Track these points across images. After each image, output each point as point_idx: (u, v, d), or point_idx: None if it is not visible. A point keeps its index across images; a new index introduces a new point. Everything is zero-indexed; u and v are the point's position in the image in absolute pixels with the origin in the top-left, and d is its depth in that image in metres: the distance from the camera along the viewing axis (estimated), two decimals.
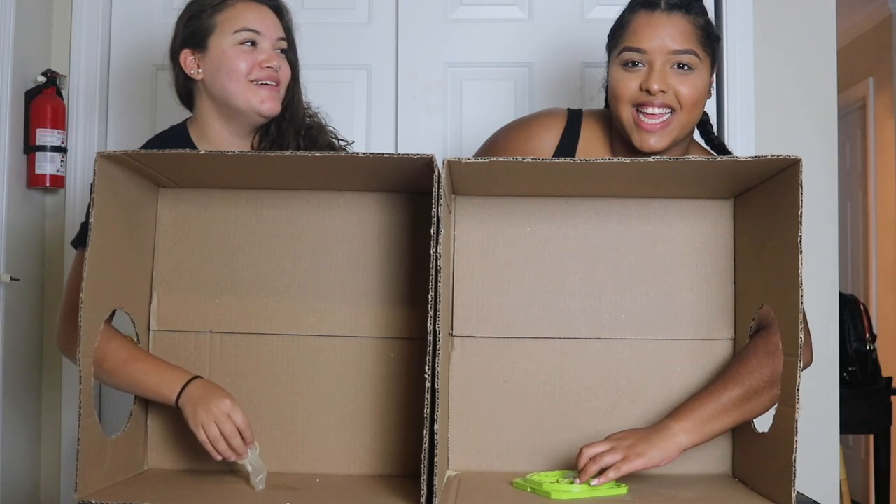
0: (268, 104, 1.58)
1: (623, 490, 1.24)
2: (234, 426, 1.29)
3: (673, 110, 1.50)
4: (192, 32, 1.61)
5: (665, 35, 1.49)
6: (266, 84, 1.58)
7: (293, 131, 1.65)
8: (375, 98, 2.42)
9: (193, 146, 1.63)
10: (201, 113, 1.64)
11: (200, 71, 1.60)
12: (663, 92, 1.48)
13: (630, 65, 1.51)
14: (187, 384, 1.33)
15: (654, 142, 1.50)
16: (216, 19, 1.59)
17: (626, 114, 1.51)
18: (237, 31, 1.58)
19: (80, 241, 1.52)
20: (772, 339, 1.29)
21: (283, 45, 1.63)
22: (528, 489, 1.25)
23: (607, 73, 1.58)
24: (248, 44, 1.58)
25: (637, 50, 1.50)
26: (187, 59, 1.61)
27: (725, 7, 2.36)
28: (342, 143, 1.77)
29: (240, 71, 1.57)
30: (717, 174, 1.29)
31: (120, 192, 1.27)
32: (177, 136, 1.64)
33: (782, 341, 1.20)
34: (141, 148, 1.63)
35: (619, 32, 1.54)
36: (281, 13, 1.65)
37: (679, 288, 1.39)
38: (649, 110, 1.49)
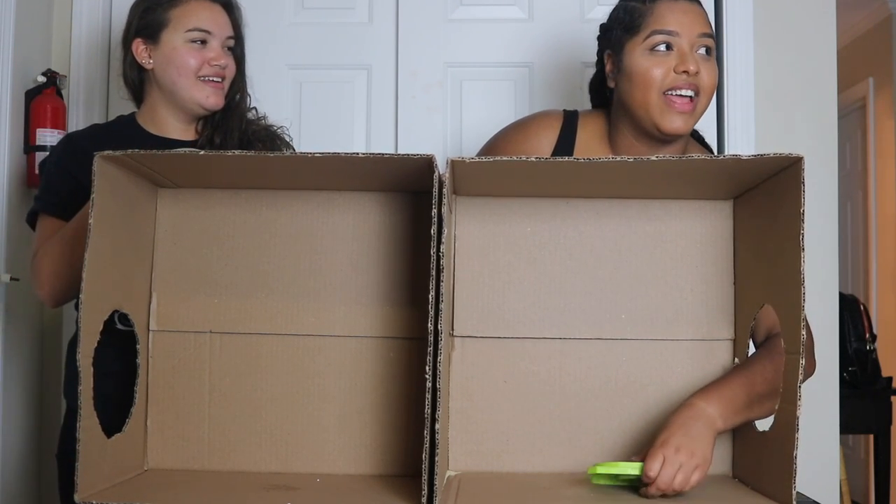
0: (212, 99, 1.71)
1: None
2: None
3: (696, 93, 1.50)
4: (147, 24, 1.71)
5: (691, 19, 1.51)
6: (212, 80, 1.70)
7: (237, 119, 1.77)
8: (375, 98, 2.42)
9: (142, 132, 1.73)
10: (150, 100, 1.75)
11: (151, 61, 1.71)
12: (697, 73, 1.49)
13: (660, 48, 1.50)
14: None
15: (683, 122, 1.50)
16: (170, 14, 1.70)
17: (654, 99, 1.50)
18: (189, 30, 1.69)
19: (46, 206, 1.67)
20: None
21: (231, 42, 1.74)
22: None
23: (619, 64, 1.56)
24: (199, 42, 1.70)
25: (669, 32, 1.50)
26: (139, 47, 1.72)
27: (725, 7, 2.36)
28: (279, 129, 1.86)
29: (189, 67, 1.68)
30: (718, 173, 1.29)
31: (119, 192, 1.27)
32: (128, 124, 1.76)
33: (784, 339, 1.20)
34: (93, 131, 1.79)
35: (639, 20, 1.52)
36: (231, 10, 1.75)
37: (679, 288, 1.38)
38: (683, 91, 1.49)
